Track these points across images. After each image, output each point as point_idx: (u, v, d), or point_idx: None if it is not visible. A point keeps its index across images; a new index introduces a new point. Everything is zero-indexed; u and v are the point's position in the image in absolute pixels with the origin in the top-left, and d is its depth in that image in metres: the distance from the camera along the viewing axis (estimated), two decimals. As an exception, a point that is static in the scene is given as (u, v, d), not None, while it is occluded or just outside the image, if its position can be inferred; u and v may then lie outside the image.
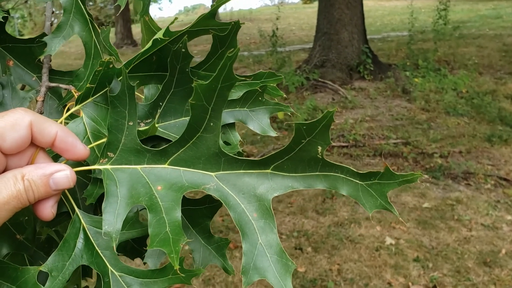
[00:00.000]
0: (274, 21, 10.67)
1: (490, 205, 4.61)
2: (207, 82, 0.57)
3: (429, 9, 16.74)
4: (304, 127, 0.61)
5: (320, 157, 0.63)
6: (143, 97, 0.79)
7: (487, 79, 8.58)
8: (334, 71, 9.00)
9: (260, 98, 0.79)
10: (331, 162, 0.64)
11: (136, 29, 20.36)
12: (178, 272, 0.60)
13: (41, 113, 0.78)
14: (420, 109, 7.45)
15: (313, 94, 8.40)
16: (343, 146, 6.14)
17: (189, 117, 0.73)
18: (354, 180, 0.64)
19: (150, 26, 0.93)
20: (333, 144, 6.23)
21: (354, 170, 0.64)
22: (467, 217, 4.43)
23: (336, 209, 4.67)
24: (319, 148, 0.62)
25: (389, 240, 4.11)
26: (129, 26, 18.14)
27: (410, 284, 3.58)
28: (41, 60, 0.86)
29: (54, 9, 0.91)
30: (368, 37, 9.77)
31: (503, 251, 3.91)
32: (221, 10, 27.29)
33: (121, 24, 16.83)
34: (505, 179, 5.10)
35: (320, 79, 8.79)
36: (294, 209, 4.73)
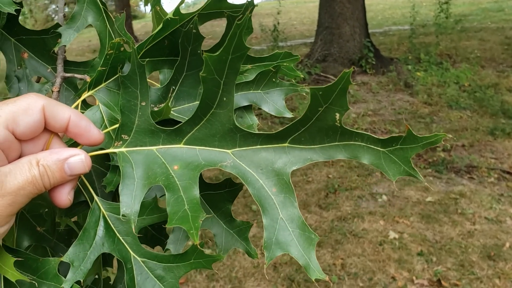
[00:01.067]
0: (275, 15, 10.64)
1: (494, 198, 4.60)
2: (217, 54, 0.55)
3: (430, 3, 16.68)
4: (320, 93, 0.58)
5: (339, 124, 0.61)
6: (157, 84, 0.78)
7: (490, 72, 8.56)
8: (336, 66, 8.98)
9: (274, 80, 0.78)
10: (351, 129, 0.62)
11: (137, 25, 20.32)
12: (199, 247, 0.60)
13: (56, 102, 0.78)
14: (422, 103, 7.44)
15: (315, 89, 8.38)
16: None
17: None
18: (375, 147, 0.62)
19: (160, 16, 0.93)
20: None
21: (375, 136, 0.62)
22: (470, 210, 4.43)
23: (339, 203, 4.67)
24: (337, 115, 0.60)
25: (392, 235, 4.11)
26: (130, 22, 18.09)
27: (414, 278, 3.58)
28: (56, 51, 0.86)
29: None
30: (369, 31, 9.73)
31: (507, 244, 3.91)
32: (221, 5, 27.13)
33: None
34: (508, 173, 5.10)
35: (322, 74, 8.77)
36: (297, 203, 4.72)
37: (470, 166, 5.26)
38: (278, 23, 10.32)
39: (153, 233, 0.84)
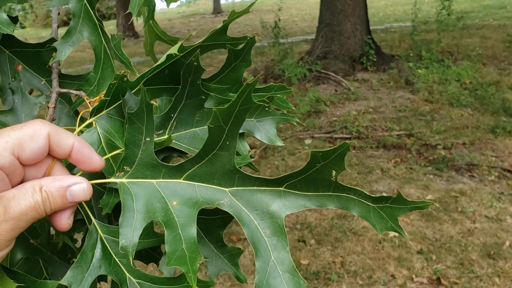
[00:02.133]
0: (276, 12, 10.62)
1: (494, 197, 4.61)
2: (225, 106, 0.59)
3: (432, 0, 16.64)
4: (320, 154, 0.62)
5: (334, 180, 0.64)
6: (156, 104, 0.79)
7: (491, 70, 8.55)
8: (337, 63, 8.97)
9: (266, 109, 0.81)
10: (344, 185, 0.65)
11: (138, 21, 20.26)
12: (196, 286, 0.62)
13: (53, 119, 0.79)
14: (423, 100, 7.43)
15: (316, 86, 8.38)
16: (346, 138, 6.13)
17: (199, 128, 0.75)
18: (366, 202, 0.65)
19: (153, 29, 0.94)
20: (336, 136, 6.24)
21: (367, 193, 0.65)
22: (470, 209, 4.43)
23: (339, 201, 4.68)
24: (333, 173, 0.63)
25: (392, 233, 4.12)
26: (130, 18, 18.01)
27: (413, 276, 3.59)
28: (50, 65, 0.86)
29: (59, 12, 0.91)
30: (371, 28, 9.71)
31: (507, 243, 3.92)
32: (222, 1, 27.17)
33: (122, 16, 16.77)
34: (509, 171, 5.10)
35: (322, 71, 8.76)
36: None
37: (471, 164, 5.26)
38: (279, 19, 10.29)
39: (148, 250, 0.85)
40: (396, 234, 4.08)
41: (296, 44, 11.65)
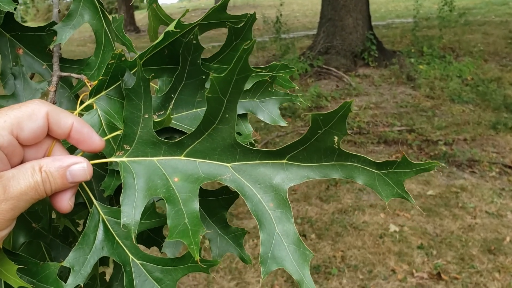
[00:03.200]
0: (278, 7, 10.60)
1: (495, 192, 4.60)
2: (222, 75, 0.57)
3: (434, -5, 16.59)
4: (321, 118, 0.61)
5: (337, 147, 0.63)
6: (156, 87, 0.79)
7: (493, 66, 8.53)
8: (339, 58, 8.95)
9: (269, 89, 0.80)
10: (348, 151, 0.64)
11: (139, 16, 20.27)
12: (199, 262, 0.61)
13: (54, 103, 0.78)
14: (424, 96, 7.42)
15: (317, 81, 8.37)
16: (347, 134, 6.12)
17: (201, 109, 0.74)
18: (370, 169, 0.64)
19: (157, 14, 0.93)
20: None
21: (371, 159, 0.64)
22: (471, 204, 4.43)
23: (340, 196, 4.68)
24: (335, 138, 0.62)
25: (393, 227, 4.12)
26: (131, 12, 18.03)
27: (414, 271, 3.59)
28: (51, 49, 0.86)
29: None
30: (372, 23, 9.69)
31: (508, 238, 3.92)
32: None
33: (123, 11, 16.75)
34: (510, 167, 5.09)
35: (324, 66, 8.75)
36: (297, 196, 4.74)
37: (472, 160, 5.25)
38: (281, 14, 10.28)
39: (150, 234, 0.85)
40: (397, 229, 4.08)
41: (297, 40, 11.63)
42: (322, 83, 8.30)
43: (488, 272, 3.54)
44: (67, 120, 0.61)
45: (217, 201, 0.80)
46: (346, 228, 4.16)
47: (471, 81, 7.79)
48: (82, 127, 0.62)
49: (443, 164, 0.66)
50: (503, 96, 6.98)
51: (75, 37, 16.39)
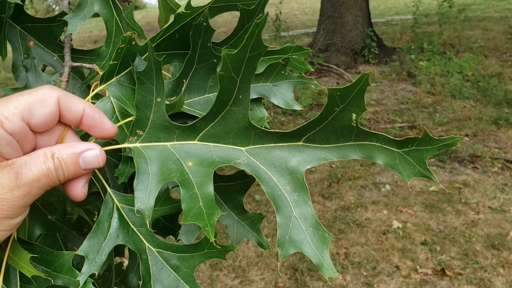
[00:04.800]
0: (277, 5, 10.58)
1: (498, 188, 4.60)
2: (235, 52, 0.55)
3: (433, -8, 16.56)
4: (338, 93, 0.58)
5: (355, 125, 0.61)
6: (168, 75, 0.77)
7: (493, 61, 8.52)
8: (339, 55, 8.94)
9: (283, 72, 0.77)
10: (366, 130, 0.62)
11: (138, 16, 20.21)
12: (214, 244, 0.60)
13: (66, 92, 0.77)
14: (425, 92, 7.41)
15: (318, 79, 8.36)
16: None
17: (213, 94, 0.72)
18: (390, 148, 0.62)
19: (168, 3, 0.91)
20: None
21: (391, 137, 0.62)
22: (474, 200, 4.42)
23: (342, 193, 4.67)
24: (353, 116, 0.60)
25: (396, 224, 4.11)
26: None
27: (418, 267, 3.58)
28: (62, 40, 0.85)
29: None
30: (372, 20, 9.67)
31: (511, 234, 3.91)
32: (223, -5, 26.94)
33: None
34: (512, 162, 5.09)
35: (324, 63, 8.73)
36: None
37: (474, 156, 5.24)
38: (280, 12, 10.26)
39: (165, 223, 0.84)
40: (400, 225, 4.08)
41: (297, 37, 11.61)
42: (322, 80, 8.29)
43: (492, 268, 3.54)
44: (78, 106, 0.60)
45: (234, 187, 0.79)
46: (349, 225, 4.16)
47: (471, 76, 7.78)
48: (94, 112, 0.61)
49: (466, 138, 0.64)
50: (504, 92, 6.97)
51: (74, 38, 16.37)
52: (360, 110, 0.59)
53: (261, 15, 0.59)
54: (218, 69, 0.73)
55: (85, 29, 17.33)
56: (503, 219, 4.13)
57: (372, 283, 3.45)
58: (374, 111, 6.76)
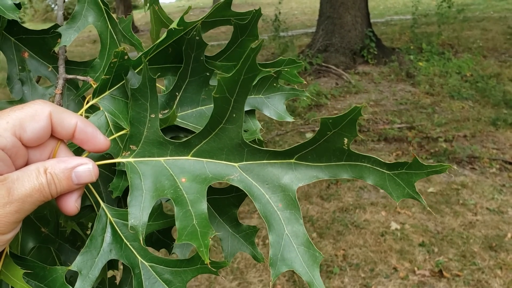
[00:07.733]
0: (277, 5, 10.58)
1: (496, 189, 4.60)
2: (230, 75, 0.56)
3: (432, -8, 16.57)
4: (330, 121, 0.60)
5: (346, 148, 0.62)
6: (162, 88, 0.78)
7: (492, 62, 8.52)
8: (338, 56, 8.94)
9: (274, 84, 0.78)
10: (358, 152, 0.63)
11: (137, 15, 20.21)
12: (209, 266, 0.61)
13: (61, 105, 0.77)
14: (424, 93, 7.41)
15: (317, 79, 8.36)
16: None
17: (206, 107, 0.73)
18: (381, 169, 0.63)
19: (159, 16, 0.92)
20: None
21: (381, 160, 0.63)
22: (472, 201, 4.43)
23: (340, 194, 4.68)
24: (345, 140, 0.61)
25: (394, 225, 4.12)
26: (130, 12, 17.99)
27: (415, 269, 3.59)
28: (56, 51, 0.85)
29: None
30: (371, 20, 9.67)
31: (509, 235, 3.92)
32: (222, -6, 26.91)
33: (122, 11, 16.69)
34: (510, 163, 5.09)
35: (323, 64, 8.74)
36: (298, 195, 4.71)
37: (472, 157, 5.25)
38: (280, 12, 10.27)
39: (159, 236, 0.84)
40: (398, 227, 4.08)
41: (296, 38, 11.62)
42: (321, 81, 8.29)
43: (490, 269, 3.54)
44: (70, 120, 0.60)
45: (227, 199, 0.80)
46: (347, 227, 4.16)
47: (470, 77, 7.78)
48: (86, 126, 0.61)
49: (455, 167, 0.65)
50: (503, 92, 6.97)
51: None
52: (352, 136, 0.61)
53: (257, 40, 0.60)
54: (211, 83, 0.74)
55: (84, 29, 17.29)
56: (501, 220, 4.13)
57: (370, 285, 3.46)
58: (372, 111, 6.76)
